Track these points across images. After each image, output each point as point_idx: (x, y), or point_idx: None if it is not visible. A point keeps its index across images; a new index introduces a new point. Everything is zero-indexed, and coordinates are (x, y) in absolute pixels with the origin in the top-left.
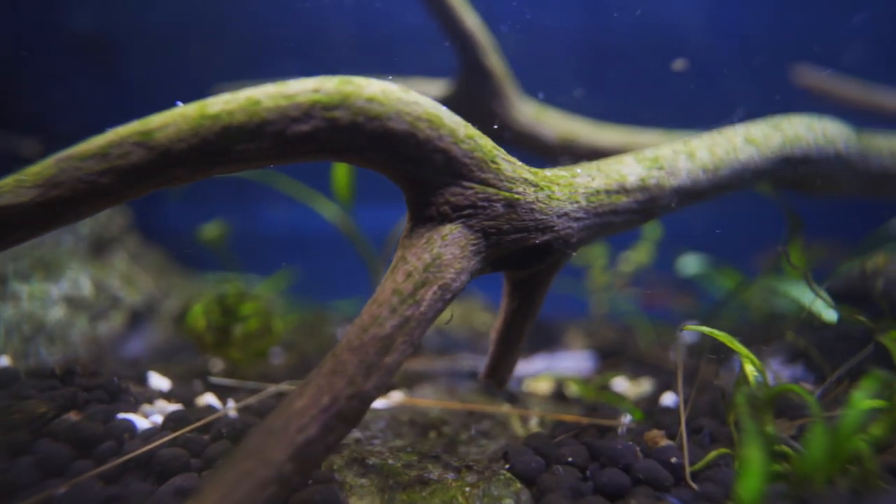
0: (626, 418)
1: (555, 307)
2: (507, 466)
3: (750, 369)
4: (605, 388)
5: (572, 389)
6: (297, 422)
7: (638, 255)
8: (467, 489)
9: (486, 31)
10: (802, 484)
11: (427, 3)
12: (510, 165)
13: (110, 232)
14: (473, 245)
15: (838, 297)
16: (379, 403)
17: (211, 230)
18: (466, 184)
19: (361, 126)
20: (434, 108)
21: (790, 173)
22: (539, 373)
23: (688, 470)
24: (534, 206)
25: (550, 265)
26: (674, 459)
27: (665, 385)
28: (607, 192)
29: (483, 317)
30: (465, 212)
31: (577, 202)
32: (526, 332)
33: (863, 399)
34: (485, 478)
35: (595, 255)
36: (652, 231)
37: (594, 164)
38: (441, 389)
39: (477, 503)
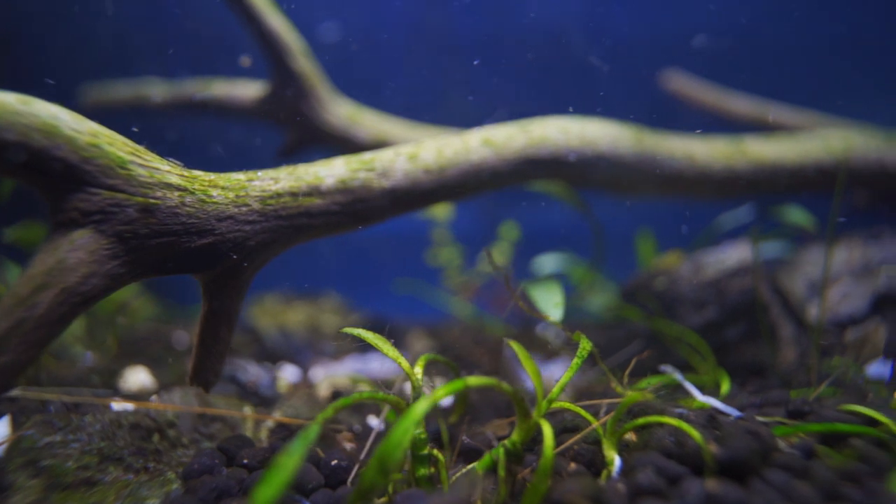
0: (368, 418)
1: (418, 309)
2: None
3: (410, 370)
4: (389, 388)
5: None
6: None
7: (497, 256)
8: (122, 490)
9: (293, 32)
10: (365, 493)
11: (229, 4)
12: (148, 170)
13: None
14: (107, 250)
15: (627, 296)
16: (115, 406)
17: (13, 231)
18: (93, 190)
19: None
20: (51, 119)
21: (542, 174)
22: (344, 374)
23: (353, 473)
24: (178, 211)
25: (235, 268)
26: (335, 462)
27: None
28: (293, 194)
29: (332, 319)
30: (95, 217)
31: (248, 205)
32: (223, 335)
33: (418, 409)
34: (151, 478)
35: (448, 256)
36: (509, 231)
37: (289, 167)
38: (191, 392)
39: (119, 503)
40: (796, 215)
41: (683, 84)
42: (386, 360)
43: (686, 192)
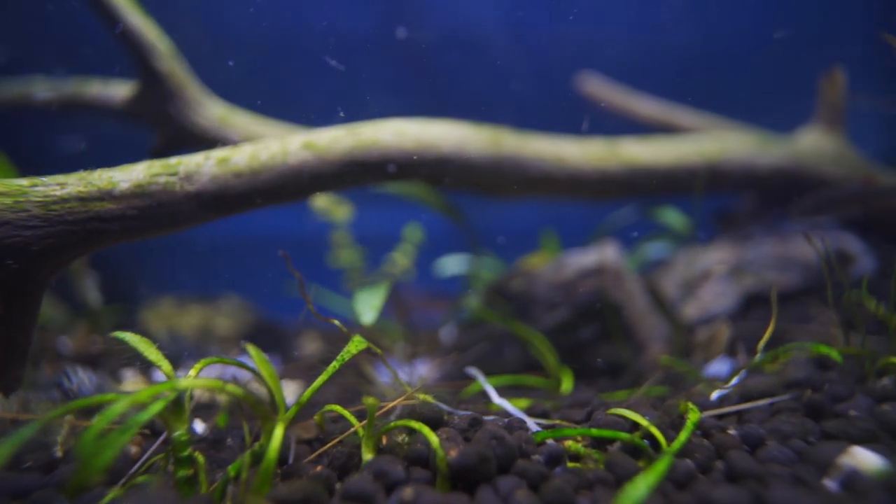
0: (194, 423)
1: (327, 313)
2: None
3: (171, 373)
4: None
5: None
6: None
7: (401, 258)
8: None
9: (158, 33)
10: (75, 492)
11: (89, 4)
12: None
13: None
14: None
15: (490, 297)
16: None
17: None
18: None
19: None
20: None
21: (374, 178)
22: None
23: (128, 475)
24: None
25: (21, 273)
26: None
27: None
28: (82, 199)
29: (226, 322)
30: None
31: (27, 210)
32: (19, 340)
33: (112, 411)
34: None
35: (349, 258)
36: (412, 233)
37: (84, 172)
38: (14, 399)
39: None
40: (671, 217)
41: (596, 86)
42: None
43: (557, 194)
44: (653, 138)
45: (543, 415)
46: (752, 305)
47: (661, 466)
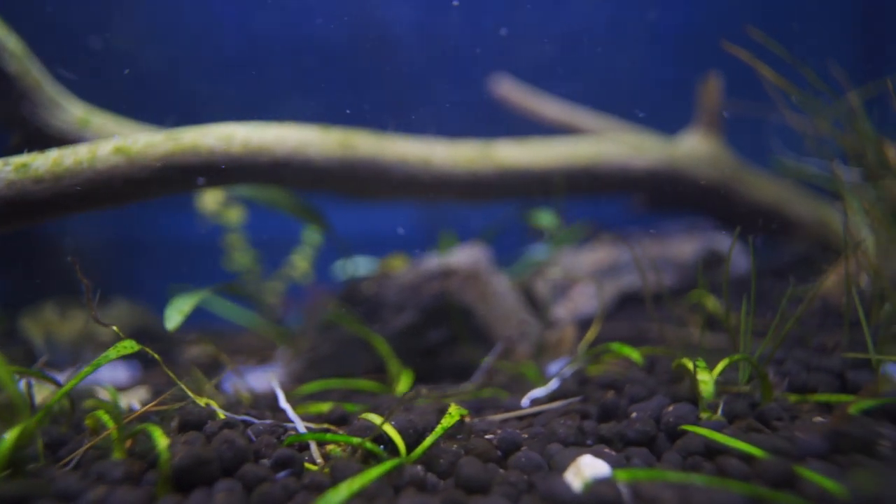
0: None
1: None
2: None
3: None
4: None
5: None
6: None
7: (300, 261)
8: None
9: (7, 32)
10: None
11: None
12: None
13: None
14: None
15: (344, 299)
16: None
17: None
18: None
19: None
20: None
21: (198, 183)
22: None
23: None
24: None
25: None
26: None
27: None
28: None
29: (108, 328)
30: None
31: None
32: None
33: None
34: None
35: (244, 261)
36: (312, 236)
37: None
38: None
39: None
40: (544, 218)
41: (508, 89)
42: (118, 367)
43: (425, 196)
44: (529, 141)
45: (341, 418)
46: (624, 305)
47: (373, 473)
